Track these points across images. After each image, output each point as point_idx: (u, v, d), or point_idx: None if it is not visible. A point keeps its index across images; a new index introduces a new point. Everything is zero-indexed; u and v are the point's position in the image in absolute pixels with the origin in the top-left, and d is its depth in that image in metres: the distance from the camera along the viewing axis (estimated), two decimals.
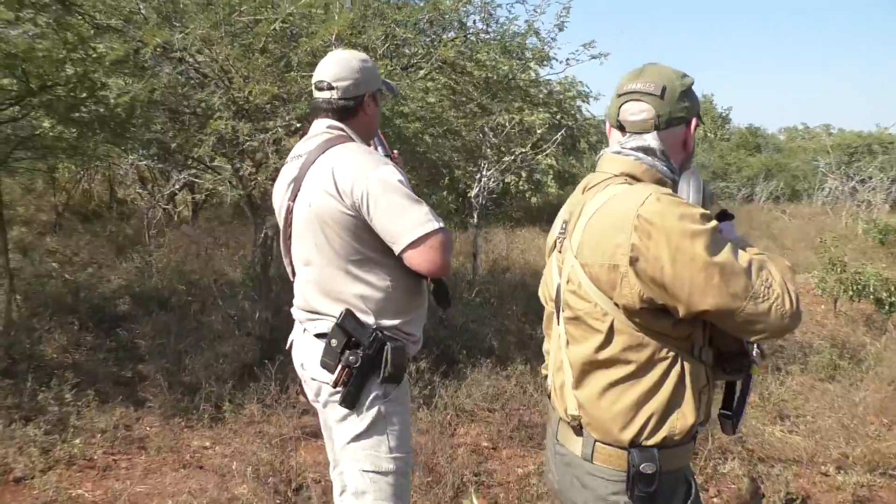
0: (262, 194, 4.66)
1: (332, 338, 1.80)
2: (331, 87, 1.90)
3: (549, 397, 1.61)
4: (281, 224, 2.00)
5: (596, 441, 1.42)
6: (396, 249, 1.79)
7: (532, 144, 10.85)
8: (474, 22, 4.15)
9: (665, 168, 1.44)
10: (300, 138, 2.09)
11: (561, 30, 4.12)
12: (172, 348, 4.70)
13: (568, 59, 4.35)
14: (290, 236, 1.96)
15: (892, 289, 6.13)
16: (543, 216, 13.51)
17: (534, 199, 13.08)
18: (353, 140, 1.93)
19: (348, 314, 1.80)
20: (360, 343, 1.79)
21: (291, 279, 2.04)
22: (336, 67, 1.91)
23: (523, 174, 12.48)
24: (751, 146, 26.99)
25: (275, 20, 3.20)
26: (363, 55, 1.99)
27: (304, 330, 1.94)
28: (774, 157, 24.74)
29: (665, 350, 1.36)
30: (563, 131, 6.47)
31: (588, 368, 1.42)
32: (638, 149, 1.44)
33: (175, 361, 4.51)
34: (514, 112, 8.52)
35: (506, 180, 12.39)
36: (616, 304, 1.35)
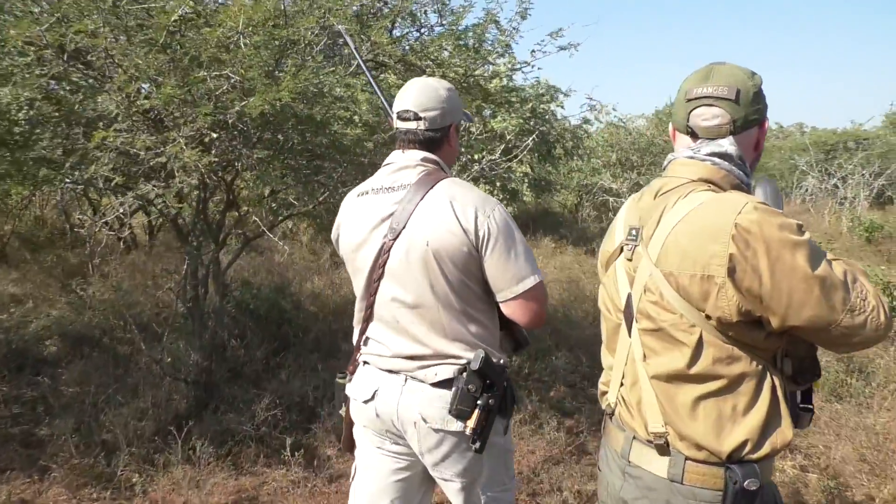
0: (192, 218, 4.07)
1: (469, 383, 1.73)
2: (417, 118, 1.82)
3: (612, 417, 1.54)
4: (368, 264, 1.83)
5: (687, 459, 1.35)
6: (502, 297, 1.77)
7: (503, 151, 10.36)
8: (425, 13, 3.62)
9: (741, 173, 1.40)
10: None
11: (524, 17, 3.60)
12: (91, 400, 4.07)
13: (533, 51, 3.84)
14: (379, 277, 1.81)
15: (894, 292, 5.67)
16: (521, 225, 13.01)
17: (509, 209, 12.56)
18: (448, 174, 1.86)
19: (487, 358, 1.74)
20: (493, 384, 1.75)
21: (360, 324, 1.90)
22: (423, 96, 1.83)
23: (497, 183, 11.98)
24: None
25: (176, 8, 2.64)
26: (448, 83, 1.91)
27: (408, 379, 1.81)
28: None
29: (755, 363, 1.32)
30: (533, 136, 6.00)
31: (676, 382, 1.36)
32: (714, 154, 1.40)
33: (95, 416, 3.89)
34: (481, 117, 8.01)
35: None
36: (708, 316, 1.30)
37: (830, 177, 15.24)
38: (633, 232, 1.46)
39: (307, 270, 7.74)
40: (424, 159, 1.84)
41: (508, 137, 8.61)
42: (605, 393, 1.59)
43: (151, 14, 2.72)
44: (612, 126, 17.48)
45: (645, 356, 1.41)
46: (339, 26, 2.58)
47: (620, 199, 15.39)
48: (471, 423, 1.72)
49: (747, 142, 1.43)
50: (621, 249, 1.50)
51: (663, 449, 1.37)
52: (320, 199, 3.79)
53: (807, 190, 18.15)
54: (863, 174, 14.14)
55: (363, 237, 1.84)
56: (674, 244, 1.33)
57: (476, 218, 1.71)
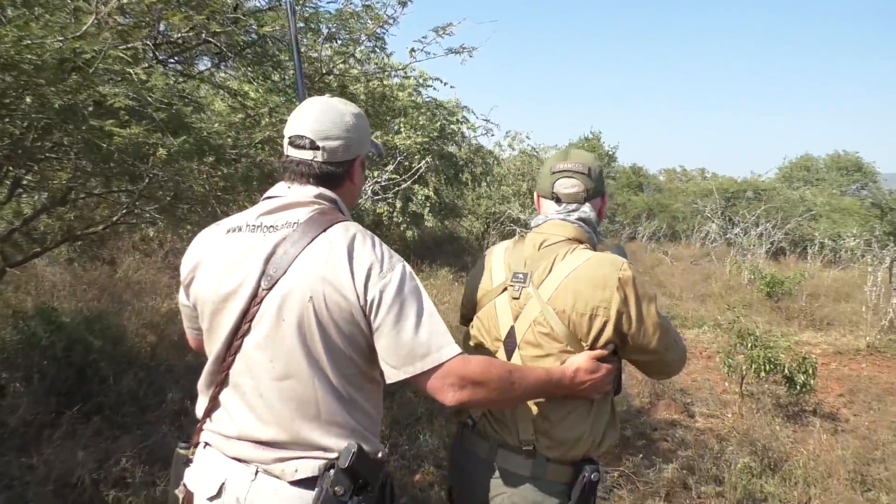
0: None
1: (336, 484, 1.40)
2: (315, 147, 1.49)
3: (472, 428, 1.79)
4: (234, 317, 1.43)
5: (548, 460, 1.68)
6: (393, 377, 1.44)
7: (405, 170, 9.50)
8: None
9: (594, 236, 1.82)
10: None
11: (403, 3, 2.72)
12: None
13: (413, 50, 2.96)
14: (245, 334, 1.42)
15: (809, 369, 5.15)
16: (423, 249, 12.14)
17: (409, 233, 11.64)
18: (346, 216, 1.53)
19: (361, 452, 1.43)
20: (367, 484, 1.44)
21: (209, 389, 1.50)
22: (324, 121, 1.50)
23: (398, 204, 11.07)
24: (634, 185, 27.20)
25: None
26: (356, 108, 1.57)
27: (260, 473, 1.44)
28: (656, 197, 25.00)
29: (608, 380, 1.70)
30: (426, 159, 5.21)
31: (552, 398, 1.67)
32: (581, 219, 1.78)
33: None
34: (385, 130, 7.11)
35: (377, 210, 10.95)
36: (584, 345, 1.66)
37: (734, 225, 15.26)
38: (521, 275, 1.74)
39: (153, 289, 6.53)
40: (320, 196, 1.51)
41: (404, 155, 7.75)
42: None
43: None
44: (525, 155, 17.03)
45: None
46: None
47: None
48: None
49: (596, 207, 1.82)
50: (503, 289, 1.76)
51: (530, 453, 1.68)
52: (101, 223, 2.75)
53: (707, 234, 18.36)
54: (766, 227, 14.17)
55: (234, 285, 1.45)
56: (567, 288, 1.66)
57: (368, 277, 1.40)
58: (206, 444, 1.53)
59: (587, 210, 1.77)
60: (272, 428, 1.44)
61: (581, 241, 1.75)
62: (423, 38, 2.88)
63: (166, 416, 4.21)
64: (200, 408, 1.55)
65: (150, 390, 4.52)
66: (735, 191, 21.79)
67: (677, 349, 1.75)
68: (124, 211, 2.67)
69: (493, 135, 9.80)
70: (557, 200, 1.79)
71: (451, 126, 11.40)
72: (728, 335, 5.74)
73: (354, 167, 1.56)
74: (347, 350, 1.43)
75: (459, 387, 1.42)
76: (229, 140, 2.29)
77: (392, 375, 1.43)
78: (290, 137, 1.53)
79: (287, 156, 1.54)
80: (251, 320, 1.42)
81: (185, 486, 1.54)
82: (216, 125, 2.20)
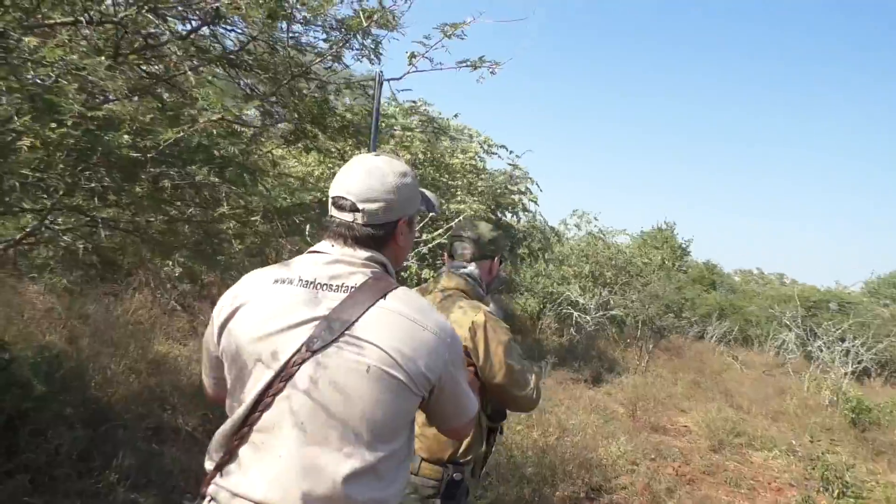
0: None
1: None
2: (355, 209, 1.47)
3: None
4: (269, 370, 1.36)
5: (422, 460, 2.13)
6: (434, 428, 1.68)
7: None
8: None
9: (480, 289, 2.31)
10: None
11: None
12: None
13: (413, 55, 2.27)
14: (279, 391, 1.35)
15: None
16: None
17: None
18: (394, 280, 1.52)
19: None
20: None
21: (227, 442, 1.41)
22: (365, 183, 1.49)
23: None
24: (706, 282, 25.82)
25: None
26: (403, 166, 1.54)
27: None
28: (729, 298, 23.56)
29: None
30: (459, 219, 4.58)
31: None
32: (467, 274, 2.30)
33: None
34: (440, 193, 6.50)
35: (423, 275, 10.27)
36: None
37: (816, 338, 13.78)
38: None
39: (156, 332, 5.94)
40: (371, 259, 1.48)
41: (456, 219, 7.14)
42: None
43: None
44: (592, 237, 16.16)
45: None
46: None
47: (586, 315, 13.84)
48: None
49: (484, 267, 2.34)
50: None
51: None
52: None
53: (783, 343, 16.84)
54: (854, 343, 12.66)
55: (274, 330, 1.37)
56: None
57: (435, 351, 1.40)
58: (212, 499, 1.44)
59: (471, 268, 2.29)
60: (287, 490, 1.34)
61: (465, 291, 2.25)
62: (426, 38, 2.20)
63: (99, 484, 3.49)
64: (213, 460, 1.46)
65: (100, 451, 3.83)
66: (817, 300, 20.14)
67: (526, 389, 2.17)
68: (30, 227, 2.03)
69: (499, 157, 9.33)
70: (451, 258, 2.34)
71: (511, 196, 10.75)
72: (805, 468, 4.65)
73: (398, 228, 1.52)
74: (394, 425, 1.39)
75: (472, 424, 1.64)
76: (126, 137, 1.64)
77: (435, 425, 1.59)
78: (333, 198, 1.51)
79: (330, 216, 1.52)
80: (287, 379, 1.35)
81: None
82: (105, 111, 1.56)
